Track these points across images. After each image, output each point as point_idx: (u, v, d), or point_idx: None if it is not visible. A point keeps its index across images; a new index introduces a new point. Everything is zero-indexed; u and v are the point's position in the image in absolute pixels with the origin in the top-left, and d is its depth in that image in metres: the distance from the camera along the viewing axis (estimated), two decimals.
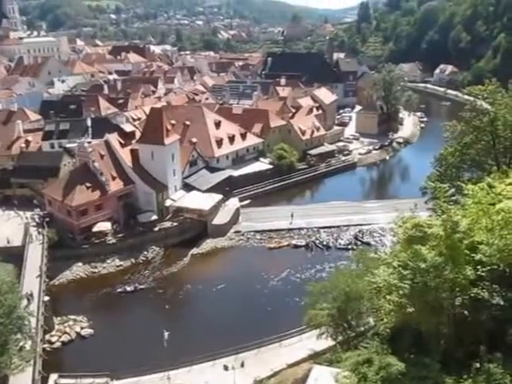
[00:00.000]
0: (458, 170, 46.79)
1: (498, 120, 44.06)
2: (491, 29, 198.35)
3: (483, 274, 17.94)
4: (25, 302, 42.73)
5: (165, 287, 56.47)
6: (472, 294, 18.34)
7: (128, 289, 55.88)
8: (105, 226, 63.92)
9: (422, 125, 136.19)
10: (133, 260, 62.16)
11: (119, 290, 55.71)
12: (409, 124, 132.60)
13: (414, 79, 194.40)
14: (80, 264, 60.12)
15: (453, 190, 20.24)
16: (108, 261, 61.24)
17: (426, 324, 18.80)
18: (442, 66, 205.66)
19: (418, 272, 18.31)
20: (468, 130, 46.36)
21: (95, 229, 63.07)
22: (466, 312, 18.42)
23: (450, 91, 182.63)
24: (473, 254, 17.93)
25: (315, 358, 38.06)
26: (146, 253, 63.48)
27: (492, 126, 44.53)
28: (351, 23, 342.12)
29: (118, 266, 61.03)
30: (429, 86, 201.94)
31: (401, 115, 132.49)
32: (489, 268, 17.79)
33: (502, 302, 18.03)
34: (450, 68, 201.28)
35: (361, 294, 33.69)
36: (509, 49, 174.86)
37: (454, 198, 19.74)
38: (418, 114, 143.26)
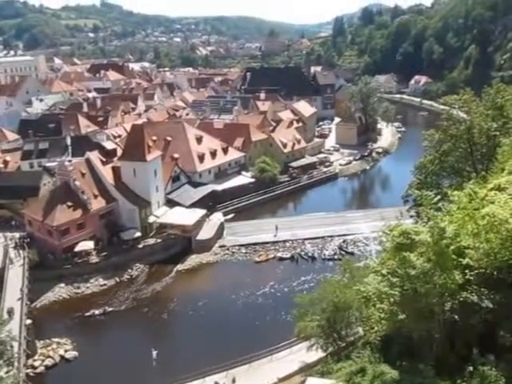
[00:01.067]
0: (437, 177, 47.54)
1: (474, 128, 44.99)
2: (462, 40, 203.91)
3: (471, 277, 18.23)
4: (5, 315, 41.96)
5: (151, 305, 55.73)
6: (461, 298, 18.59)
7: (112, 309, 54.96)
8: (87, 244, 63.05)
9: (400, 135, 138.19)
10: (117, 279, 61.25)
11: (104, 309, 54.73)
12: (387, 134, 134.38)
13: (390, 90, 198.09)
14: (62, 285, 58.95)
15: (438, 197, 20.54)
16: (91, 280, 60.22)
17: (417, 330, 18.98)
18: (416, 77, 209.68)
19: (407, 279, 18.52)
20: (446, 138, 47.18)
21: (78, 248, 62.10)
22: (456, 316, 18.64)
23: (425, 101, 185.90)
24: (460, 259, 18.21)
25: (307, 370, 37.87)
26: (130, 271, 62.70)
27: (468, 133, 45.44)
28: (327, 37, 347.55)
29: (101, 286, 60.00)
30: (405, 96, 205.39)
31: (379, 126, 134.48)
32: (476, 272, 18.10)
33: (491, 305, 18.31)
34: (424, 79, 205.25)
35: (349, 303, 33.82)
36: (479, 60, 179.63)
37: (439, 204, 20.09)
38: (396, 124, 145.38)
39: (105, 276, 61.07)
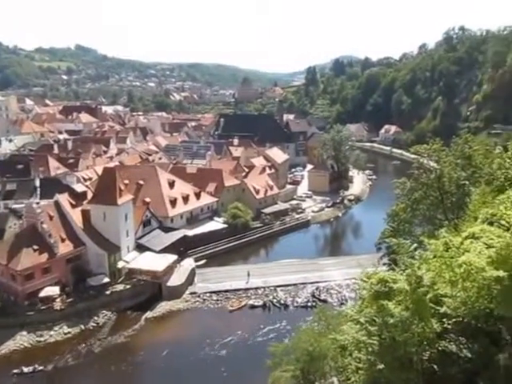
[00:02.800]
0: (410, 225, 47.89)
1: (444, 177, 45.80)
2: (429, 92, 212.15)
3: (449, 326, 17.98)
4: None
5: (116, 356, 53.38)
6: (440, 348, 18.27)
7: (74, 361, 52.33)
8: (52, 290, 60.71)
9: (371, 182, 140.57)
10: (82, 326, 58.70)
11: (67, 360, 52.23)
12: (358, 182, 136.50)
13: (360, 139, 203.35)
14: (24, 333, 56.13)
15: (415, 245, 20.51)
16: (56, 328, 57.53)
17: (395, 381, 18.48)
18: (386, 127, 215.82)
19: (385, 327, 18.15)
20: (417, 187, 47.84)
21: (42, 294, 59.79)
22: (435, 366, 18.26)
23: (395, 150, 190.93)
24: (438, 307, 18.00)
25: None
26: (96, 318, 60.30)
27: (439, 182, 46.18)
28: (299, 86, 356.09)
29: (66, 334, 57.30)
30: (375, 145, 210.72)
31: (350, 173, 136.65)
32: (454, 320, 17.89)
33: (469, 355, 18.02)
34: (393, 128, 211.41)
35: (324, 352, 33.00)
36: (446, 111, 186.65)
37: (415, 252, 20.00)
38: (367, 171, 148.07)
39: (70, 324, 58.49)
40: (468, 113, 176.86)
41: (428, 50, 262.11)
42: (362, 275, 20.15)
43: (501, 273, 15.78)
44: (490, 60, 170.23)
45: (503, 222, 17.10)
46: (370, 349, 18.28)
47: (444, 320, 17.82)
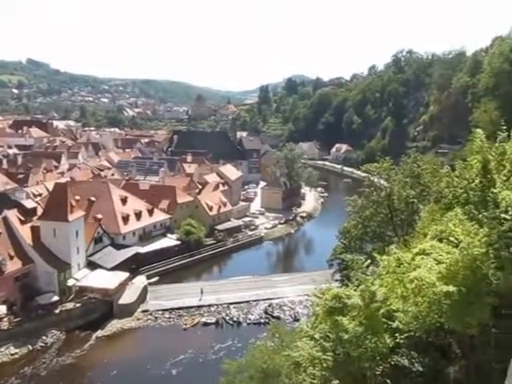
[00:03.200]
0: (361, 242, 49.11)
1: (394, 195, 47.19)
2: (379, 112, 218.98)
3: (401, 341, 18.59)
4: None
5: (67, 375, 51.95)
6: (393, 362, 18.83)
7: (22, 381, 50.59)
8: None
9: (322, 199, 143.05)
10: (30, 347, 56.71)
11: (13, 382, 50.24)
12: (311, 199, 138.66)
13: (313, 157, 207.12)
14: None
15: (369, 261, 21.15)
16: (1, 349, 55.26)
17: None
18: (337, 145, 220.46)
19: (339, 343, 18.58)
20: (368, 204, 49.08)
21: None
22: (388, 380, 18.81)
23: (346, 168, 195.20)
24: (390, 322, 18.58)
25: None
26: (45, 338, 58.36)
27: (389, 200, 47.51)
28: (252, 104, 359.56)
29: (12, 355, 55.18)
30: (327, 163, 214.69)
31: (303, 191, 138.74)
32: (406, 335, 18.49)
33: (421, 368, 18.66)
34: (344, 147, 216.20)
35: (278, 370, 33.08)
36: (395, 131, 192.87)
37: (369, 268, 20.65)
38: (319, 189, 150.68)
39: (16, 344, 56.36)
40: (416, 133, 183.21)
41: (378, 72, 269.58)
42: (316, 291, 20.56)
43: (450, 288, 16.49)
44: (436, 82, 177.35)
45: (452, 239, 17.90)
46: (324, 364, 18.61)
47: (396, 335, 18.39)
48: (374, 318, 18.40)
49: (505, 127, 21.10)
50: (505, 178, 19.20)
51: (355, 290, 19.68)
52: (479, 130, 20.61)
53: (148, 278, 75.03)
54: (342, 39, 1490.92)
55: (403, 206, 46.96)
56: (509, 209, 17.43)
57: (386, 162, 49.39)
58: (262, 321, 64.45)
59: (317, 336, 19.75)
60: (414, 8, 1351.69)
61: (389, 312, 18.46)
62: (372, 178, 50.78)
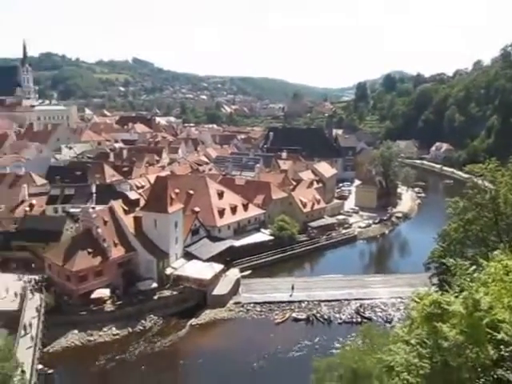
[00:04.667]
0: (462, 246, 46.81)
1: (500, 198, 44.65)
2: (484, 110, 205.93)
3: (507, 353, 17.58)
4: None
5: (162, 359, 54.79)
6: (496, 376, 17.90)
7: (120, 362, 53.78)
8: (103, 292, 63.01)
9: (419, 200, 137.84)
10: (130, 329, 60.59)
11: (114, 361, 53.77)
12: (407, 199, 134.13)
13: (410, 156, 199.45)
14: (76, 331, 58.51)
15: (474, 267, 20.19)
16: (105, 329, 59.68)
17: None
18: (437, 144, 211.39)
19: (438, 350, 17.96)
20: (470, 207, 46.68)
21: (94, 295, 62.09)
22: None
23: (446, 168, 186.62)
24: (495, 333, 17.66)
25: None
26: (143, 322, 62.06)
27: (494, 203, 45.01)
28: (349, 102, 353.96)
29: (114, 335, 59.39)
30: (425, 162, 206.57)
31: (399, 190, 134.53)
32: None
33: None
34: (445, 146, 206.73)
35: (369, 372, 32.67)
36: (502, 130, 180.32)
37: (474, 275, 19.65)
38: (416, 189, 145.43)
39: (118, 325, 60.49)
40: None
41: (483, 67, 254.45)
42: (414, 295, 20.02)
43: None
44: None
45: None
46: (420, 371, 18.05)
47: (501, 347, 17.39)
48: (476, 328, 17.52)
49: None
50: None
51: (456, 297, 18.89)
52: None
53: (241, 271, 76.85)
54: (445, 33, 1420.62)
55: (510, 210, 44.30)
56: None
57: (492, 163, 46.77)
58: (354, 320, 63.70)
59: (413, 341, 19.21)
60: None
61: (493, 322, 17.49)
62: (476, 180, 48.35)
